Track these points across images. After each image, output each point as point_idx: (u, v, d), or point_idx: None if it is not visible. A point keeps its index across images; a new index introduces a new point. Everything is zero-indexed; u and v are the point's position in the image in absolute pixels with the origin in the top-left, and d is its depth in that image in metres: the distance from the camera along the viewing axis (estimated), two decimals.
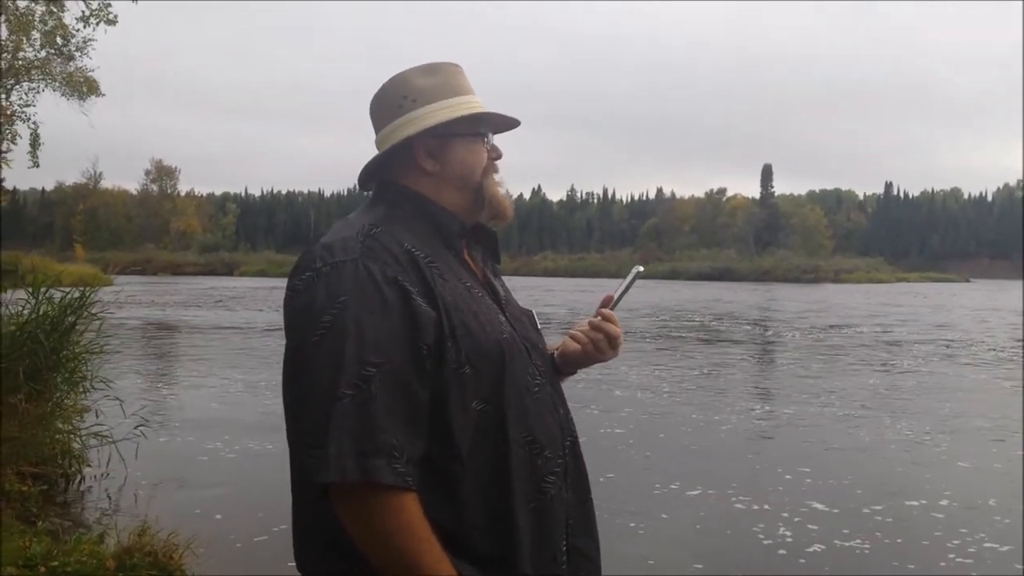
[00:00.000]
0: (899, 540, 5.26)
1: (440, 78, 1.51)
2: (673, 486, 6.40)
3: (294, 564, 1.43)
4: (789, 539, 5.26)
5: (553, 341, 1.66)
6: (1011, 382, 12.39)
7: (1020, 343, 18.15)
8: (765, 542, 5.22)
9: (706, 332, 20.59)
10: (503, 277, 1.64)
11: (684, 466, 7.05)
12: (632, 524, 5.49)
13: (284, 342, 1.39)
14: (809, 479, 6.68)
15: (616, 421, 8.93)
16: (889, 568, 4.83)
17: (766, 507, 5.90)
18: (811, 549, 5.09)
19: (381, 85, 1.53)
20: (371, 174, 1.55)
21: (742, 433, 8.57)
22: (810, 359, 15.10)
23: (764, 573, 4.81)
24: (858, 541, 5.22)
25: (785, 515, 5.71)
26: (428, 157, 1.49)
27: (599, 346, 1.59)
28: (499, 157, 1.56)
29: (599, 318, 1.61)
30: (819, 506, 5.93)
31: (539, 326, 1.61)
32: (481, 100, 1.54)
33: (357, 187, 1.60)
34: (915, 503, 6.08)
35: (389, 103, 1.51)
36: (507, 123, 1.58)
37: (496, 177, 1.55)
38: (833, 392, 11.18)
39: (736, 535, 5.37)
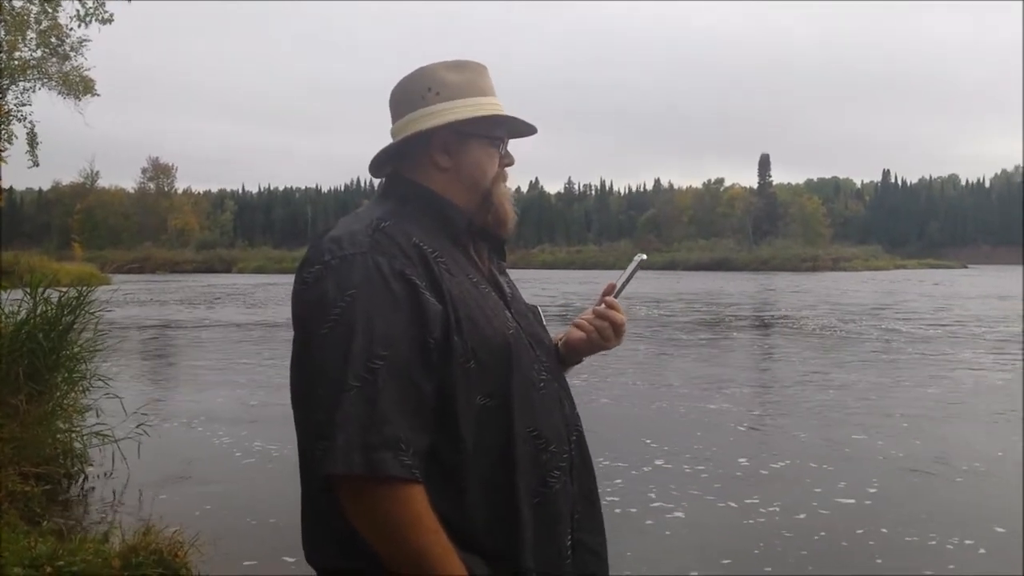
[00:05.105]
0: (908, 540, 5.24)
1: (467, 75, 1.51)
2: (675, 481, 6.41)
3: (302, 557, 1.43)
4: (792, 536, 5.25)
5: (555, 332, 1.66)
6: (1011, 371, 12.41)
7: (1021, 331, 18.14)
8: (770, 539, 5.22)
9: (705, 322, 20.59)
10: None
11: (686, 459, 7.05)
12: (635, 520, 5.49)
13: (284, 337, 1.39)
14: (813, 475, 6.69)
15: (616, 413, 8.93)
16: (897, 568, 4.82)
17: (768, 501, 5.90)
18: (817, 547, 5.08)
19: (406, 75, 1.53)
20: (383, 162, 1.55)
21: (743, 426, 8.57)
22: (809, 348, 15.10)
23: (769, 573, 4.82)
24: (865, 539, 5.22)
25: (788, 511, 5.71)
26: (443, 153, 1.49)
27: (604, 333, 1.60)
28: (511, 164, 1.57)
29: (603, 306, 1.61)
30: (821, 501, 5.93)
31: (544, 322, 1.61)
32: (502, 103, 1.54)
33: (363, 178, 1.59)
34: (919, 501, 6.10)
35: (412, 93, 1.50)
36: (525, 129, 1.59)
37: (504, 187, 1.55)
38: (835, 382, 11.19)
39: (740, 532, 5.37)
